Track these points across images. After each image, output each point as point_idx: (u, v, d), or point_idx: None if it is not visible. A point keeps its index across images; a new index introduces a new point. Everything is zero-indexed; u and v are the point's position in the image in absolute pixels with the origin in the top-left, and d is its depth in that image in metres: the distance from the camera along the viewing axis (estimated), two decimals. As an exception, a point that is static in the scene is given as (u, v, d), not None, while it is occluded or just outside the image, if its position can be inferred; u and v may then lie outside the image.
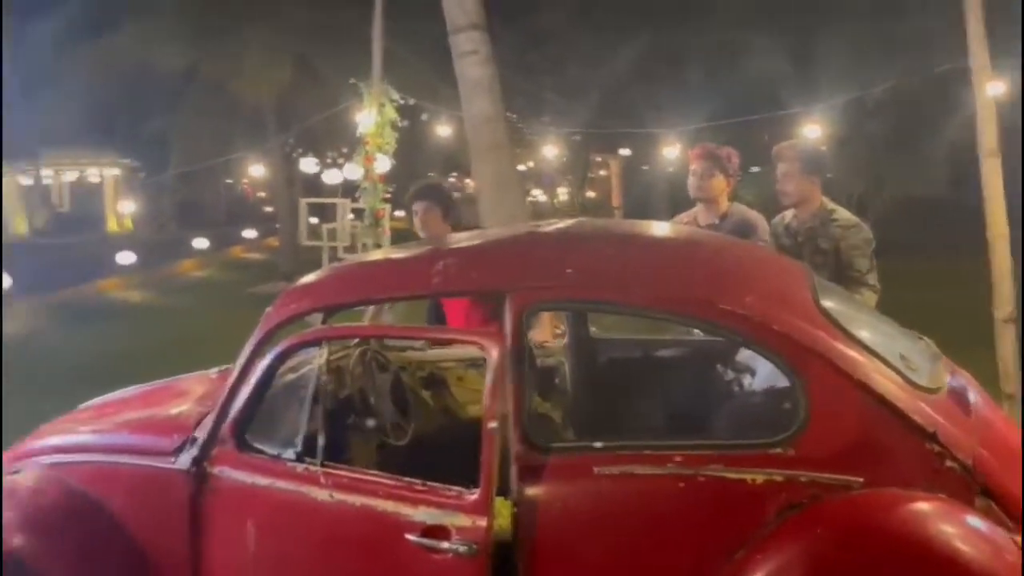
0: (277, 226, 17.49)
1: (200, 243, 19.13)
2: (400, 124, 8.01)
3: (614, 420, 3.01)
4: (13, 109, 19.22)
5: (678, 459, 2.04)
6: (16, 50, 18.91)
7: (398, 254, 2.98)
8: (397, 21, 8.67)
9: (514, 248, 2.66)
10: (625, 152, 23.94)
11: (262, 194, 30.86)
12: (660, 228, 3.12)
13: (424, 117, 13.49)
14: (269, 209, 25.00)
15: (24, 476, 2.62)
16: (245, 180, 29.79)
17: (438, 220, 3.78)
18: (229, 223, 24.23)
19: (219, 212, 25.95)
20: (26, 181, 24.20)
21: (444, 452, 2.43)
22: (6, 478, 2.64)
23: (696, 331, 3.01)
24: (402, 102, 7.97)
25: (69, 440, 2.75)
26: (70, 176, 29.19)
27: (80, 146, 22.94)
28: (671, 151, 13.28)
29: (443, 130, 13.29)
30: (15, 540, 2.41)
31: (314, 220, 14.60)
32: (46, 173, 26.37)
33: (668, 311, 2.28)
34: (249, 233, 22.96)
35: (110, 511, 2.48)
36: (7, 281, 10.19)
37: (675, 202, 14.99)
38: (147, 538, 2.45)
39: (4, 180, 23.00)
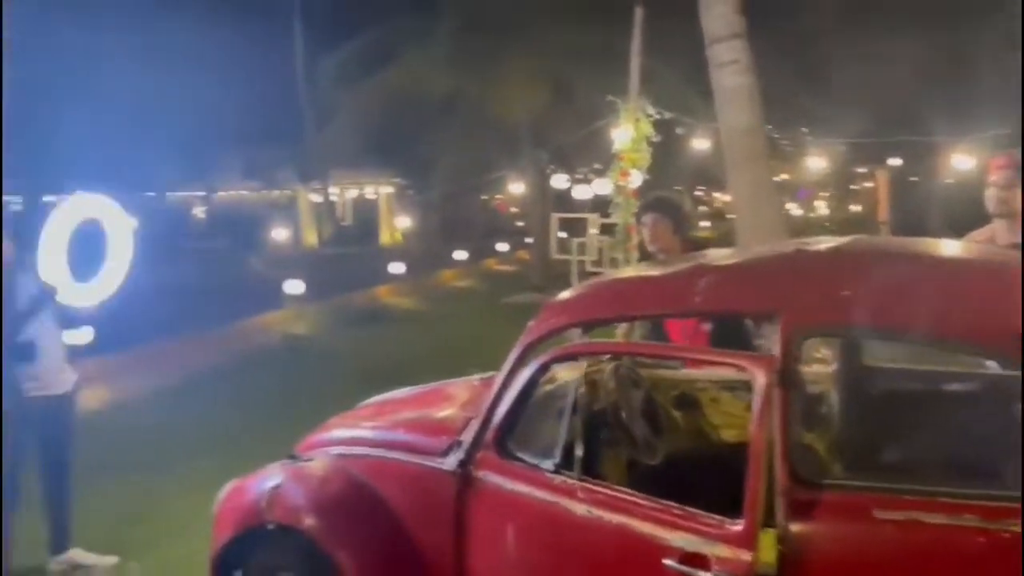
0: (528, 240, 18.17)
1: (460, 255, 20.56)
2: (654, 139, 7.99)
3: (892, 459, 2.72)
4: (308, 138, 22.18)
5: (977, 510, 1.81)
6: (309, 87, 21.73)
7: (657, 271, 2.94)
8: (651, 37, 8.66)
9: (784, 267, 2.50)
10: (895, 162, 21.97)
11: (514, 209, 32.35)
12: (952, 248, 2.78)
13: (678, 131, 13.34)
14: (520, 223, 26.12)
15: (314, 464, 2.93)
16: (499, 196, 31.40)
17: (668, 233, 3.70)
18: (485, 237, 25.69)
19: (476, 226, 27.59)
20: (316, 199, 27.48)
21: (695, 475, 2.35)
22: (300, 465, 2.96)
23: (989, 363, 2.64)
24: (657, 116, 7.94)
25: (352, 434, 3.03)
26: (351, 194, 32.78)
27: (360, 167, 25.70)
28: (962, 161, 11.87)
29: (696, 144, 13.03)
30: (307, 520, 2.72)
31: (562, 234, 14.99)
32: (332, 191, 29.79)
33: (967, 343, 2.02)
34: (502, 246, 24.21)
35: (386, 502, 2.69)
36: (301, 286, 11.61)
37: (952, 218, 13.37)
38: (416, 530, 2.63)
39: (300, 197, 26.39)
